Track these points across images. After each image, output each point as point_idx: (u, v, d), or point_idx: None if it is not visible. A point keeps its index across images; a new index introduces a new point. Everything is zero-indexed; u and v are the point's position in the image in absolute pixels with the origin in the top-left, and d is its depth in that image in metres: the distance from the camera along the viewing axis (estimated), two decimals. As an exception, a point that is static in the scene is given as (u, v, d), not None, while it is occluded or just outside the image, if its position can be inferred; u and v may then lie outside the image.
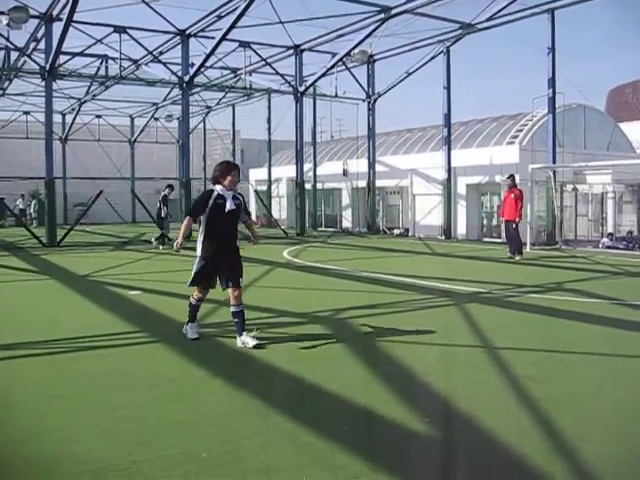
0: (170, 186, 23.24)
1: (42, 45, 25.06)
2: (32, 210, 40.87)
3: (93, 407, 5.46)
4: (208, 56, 25.80)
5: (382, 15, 23.97)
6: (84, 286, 13.37)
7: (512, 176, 18.76)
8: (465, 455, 4.52)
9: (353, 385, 6.00)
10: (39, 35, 25.32)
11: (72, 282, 14.05)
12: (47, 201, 24.35)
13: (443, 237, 26.52)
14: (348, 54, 27.49)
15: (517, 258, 17.77)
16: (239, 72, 31.05)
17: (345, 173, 32.66)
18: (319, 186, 34.30)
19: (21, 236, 26.37)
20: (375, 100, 31.28)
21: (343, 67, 29.75)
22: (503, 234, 22.23)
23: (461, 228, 26.91)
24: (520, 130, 26.55)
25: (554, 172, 22.53)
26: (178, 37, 26.88)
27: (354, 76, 30.68)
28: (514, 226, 18.14)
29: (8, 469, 4.25)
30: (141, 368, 6.75)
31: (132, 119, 45.99)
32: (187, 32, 26.45)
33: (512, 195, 18.21)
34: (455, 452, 4.65)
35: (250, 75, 31.56)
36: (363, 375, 6.40)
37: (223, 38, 24.47)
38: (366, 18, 24.74)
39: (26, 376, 6.47)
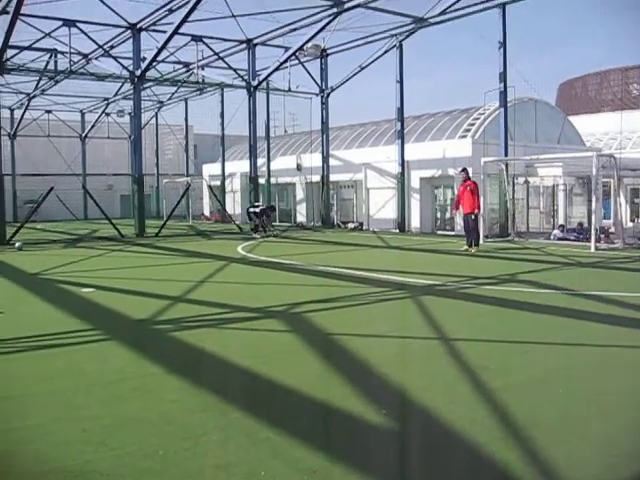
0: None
1: (-11, 39, 24.51)
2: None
3: (45, 407, 5.37)
4: (160, 50, 25.52)
5: (335, 9, 24.00)
6: (35, 284, 13.15)
7: (465, 169, 18.96)
8: (422, 446, 4.57)
9: (310, 379, 6.00)
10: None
11: (22, 280, 13.81)
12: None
13: (397, 230, 26.69)
14: (301, 48, 27.47)
15: (473, 250, 17.97)
16: (191, 66, 30.83)
17: (299, 167, 32.67)
18: (273, 181, 34.25)
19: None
20: (328, 94, 31.29)
21: (296, 61, 29.70)
22: (459, 227, 22.57)
23: (415, 221, 27.10)
24: (472, 124, 26.83)
25: (506, 165, 22.84)
26: (129, 31, 26.53)
27: (307, 70, 30.66)
28: (473, 217, 18.33)
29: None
30: (95, 366, 6.66)
31: (83, 114, 45.34)
32: (138, 26, 26.12)
33: (468, 188, 18.38)
34: (412, 443, 4.69)
35: (203, 69, 31.31)
36: (320, 369, 6.41)
37: (175, 32, 24.21)
38: (319, 12, 24.75)
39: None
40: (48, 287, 12.66)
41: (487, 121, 26.42)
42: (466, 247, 18.32)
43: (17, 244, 21.47)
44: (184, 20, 23.08)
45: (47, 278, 13.91)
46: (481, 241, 20.51)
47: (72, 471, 4.07)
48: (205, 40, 28.47)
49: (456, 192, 20.32)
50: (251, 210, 27.09)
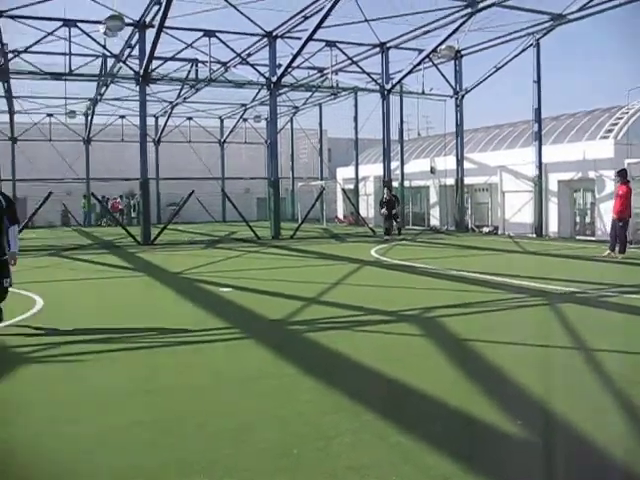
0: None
1: (136, 51, 25.81)
2: (132, 210, 42.38)
3: (186, 401, 5.61)
4: (295, 57, 26.00)
5: (469, 9, 23.64)
6: (177, 283, 13.72)
7: (621, 171, 18.00)
8: (559, 460, 4.42)
9: (444, 385, 5.95)
10: (133, 42, 26.09)
11: (166, 279, 14.45)
12: (141, 201, 25.11)
13: (534, 235, 25.96)
14: (435, 50, 27.24)
15: (618, 257, 17.08)
16: (325, 71, 31.21)
17: (433, 171, 32.36)
18: (406, 184, 34.09)
19: (118, 235, 27.28)
20: (462, 96, 30.87)
21: (430, 64, 29.51)
22: (599, 232, 21.73)
23: (553, 226, 26.24)
24: (615, 124, 25.67)
25: (652, 167, 21.72)
26: (265, 39, 27.19)
27: (441, 72, 30.38)
28: (620, 224, 17.39)
29: (91, 459, 4.40)
30: (233, 364, 6.88)
31: (222, 120, 46.83)
32: (274, 34, 26.73)
33: (620, 191, 17.52)
34: (549, 456, 4.55)
35: (336, 74, 31.65)
36: (453, 375, 6.34)
37: (309, 38, 24.62)
38: (453, 13, 24.46)
39: (122, 370, 6.68)
40: (189, 286, 13.18)
41: (631, 120, 25.21)
42: (608, 252, 17.50)
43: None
44: (318, 26, 23.41)
45: (188, 277, 14.49)
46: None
47: (211, 464, 4.22)
48: (339, 45, 28.76)
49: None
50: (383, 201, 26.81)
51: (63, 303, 11.18)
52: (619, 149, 23.24)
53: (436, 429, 4.88)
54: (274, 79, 26.93)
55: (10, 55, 26.32)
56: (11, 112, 38.77)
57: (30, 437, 4.78)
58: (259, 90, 34.97)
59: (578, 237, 25.16)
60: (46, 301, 10.76)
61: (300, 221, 30.29)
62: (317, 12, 23.43)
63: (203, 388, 5.98)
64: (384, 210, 26.16)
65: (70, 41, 25.19)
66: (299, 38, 25.74)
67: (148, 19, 24.02)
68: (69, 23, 24.67)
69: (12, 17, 23.55)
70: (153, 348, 7.65)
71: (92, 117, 41.93)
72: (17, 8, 23.02)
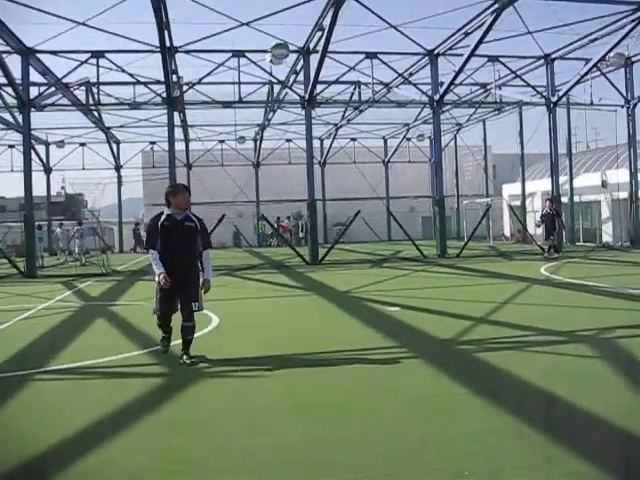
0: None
1: (301, 77, 26.73)
2: (300, 230, 43.65)
3: (355, 418, 5.74)
4: (457, 74, 25.91)
5: (638, 13, 22.58)
6: (345, 301, 14.02)
7: None
8: None
9: (619, 410, 5.70)
10: (298, 68, 27.04)
11: (334, 297, 14.80)
12: (309, 221, 25.85)
13: None
14: (603, 59, 26.23)
15: None
16: (488, 87, 30.87)
17: (604, 184, 31.05)
18: (576, 199, 32.90)
19: (287, 255, 28.18)
20: (635, 105, 29.48)
21: (598, 73, 28.43)
22: None
23: None
24: None
25: None
26: (427, 57, 27.29)
27: (610, 81, 29.24)
28: None
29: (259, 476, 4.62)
30: (402, 382, 6.97)
31: (385, 140, 47.33)
32: (435, 52, 26.78)
33: None
34: None
35: (500, 89, 31.21)
36: (631, 400, 6.07)
37: (471, 54, 24.46)
38: (621, 19, 23.47)
39: (289, 386, 6.94)
40: (356, 304, 13.44)
41: None
42: None
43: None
44: (480, 42, 23.22)
45: (355, 296, 14.76)
46: None
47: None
48: (501, 59, 28.38)
49: None
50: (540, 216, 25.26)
51: (236, 320, 11.73)
52: None
53: (610, 456, 4.75)
54: (436, 97, 26.94)
55: (185, 87, 28.01)
56: (187, 140, 41.17)
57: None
58: (422, 109, 35.09)
59: None
60: (222, 319, 11.33)
61: (466, 239, 29.98)
62: (478, 27, 23.27)
63: (374, 407, 6.10)
64: (539, 223, 25.01)
65: (239, 70, 26.54)
66: (461, 55, 25.65)
67: (312, 45, 24.83)
68: (238, 54, 26.02)
69: (187, 52, 25.14)
70: (322, 367, 7.85)
71: (261, 142, 43.78)
72: (190, 43, 24.55)
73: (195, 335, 8.13)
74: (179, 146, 42.56)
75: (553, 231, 24.49)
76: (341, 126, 40.04)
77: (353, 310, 12.62)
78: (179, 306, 7.98)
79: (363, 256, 28.48)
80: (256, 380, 7.17)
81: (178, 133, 39.46)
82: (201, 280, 8.00)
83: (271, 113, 35.17)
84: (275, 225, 38.51)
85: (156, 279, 7.85)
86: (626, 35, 24.21)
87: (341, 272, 21.60)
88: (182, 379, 7.30)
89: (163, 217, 7.95)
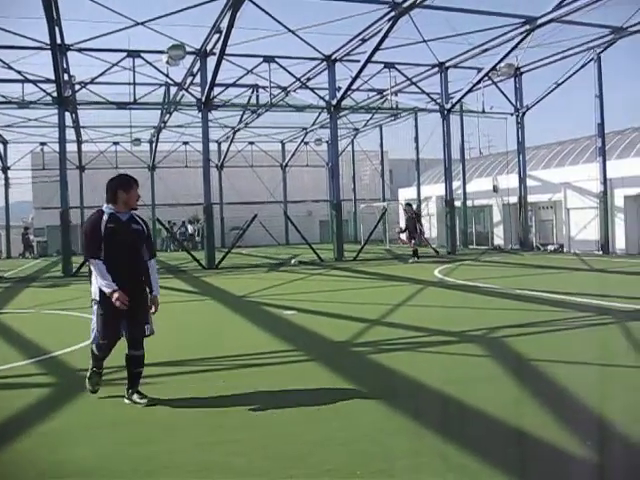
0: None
1: (198, 79, 26.41)
2: (197, 235, 43.15)
3: (252, 422, 5.70)
4: (354, 79, 26.20)
5: (527, 26, 23.46)
6: (241, 306, 13.92)
7: None
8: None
9: (508, 406, 5.91)
10: (195, 70, 26.71)
11: (230, 302, 14.66)
12: (206, 226, 25.55)
13: (600, 252, 25.45)
14: (494, 68, 27.09)
15: None
16: (385, 93, 31.34)
17: (495, 189, 32.07)
18: (469, 203, 33.86)
19: (183, 259, 27.78)
20: (524, 113, 30.60)
21: (489, 82, 29.33)
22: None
23: (620, 242, 25.67)
24: (683, 137, 25.08)
25: None
26: (324, 62, 27.47)
27: (501, 90, 30.18)
28: None
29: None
30: (299, 385, 6.95)
31: (283, 144, 47.39)
32: (332, 57, 26.99)
33: None
34: (615, 476, 4.49)
35: (396, 95, 31.77)
36: (518, 395, 6.30)
37: (368, 61, 24.78)
38: (511, 30, 24.30)
39: (182, 392, 6.82)
40: (253, 309, 13.35)
41: (700, 133, 24.58)
42: None
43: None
44: (376, 48, 23.56)
45: (252, 300, 14.68)
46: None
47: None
48: (397, 66, 28.88)
49: None
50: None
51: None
52: (688, 162, 22.67)
53: (500, 451, 4.86)
54: (334, 102, 27.17)
55: (77, 87, 27.19)
56: (79, 141, 39.95)
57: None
58: (319, 113, 35.29)
59: (647, 253, 24.57)
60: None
61: (363, 243, 30.35)
62: (375, 34, 23.60)
63: (269, 409, 6.04)
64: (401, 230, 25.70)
65: (134, 71, 25.96)
66: (358, 61, 25.95)
67: (209, 47, 24.57)
68: (133, 54, 25.43)
69: (79, 50, 24.40)
70: (214, 371, 7.76)
71: (156, 144, 42.95)
72: (84, 41, 23.85)
73: (82, 344, 7.71)
74: (71, 147, 41.39)
75: (416, 234, 25.31)
76: (239, 129, 39.80)
77: (250, 314, 12.54)
78: (124, 331, 6.38)
79: (260, 260, 28.40)
80: (148, 387, 6.99)
81: (70, 134, 38.23)
82: (148, 298, 6.56)
83: (167, 115, 34.58)
84: (171, 229, 37.95)
85: (96, 298, 6.26)
86: (516, 46, 25.06)
87: (238, 276, 21.45)
88: (71, 388, 7.04)
89: (105, 217, 6.27)
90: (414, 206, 25.66)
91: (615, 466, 4.65)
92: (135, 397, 6.38)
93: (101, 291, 6.17)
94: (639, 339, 8.64)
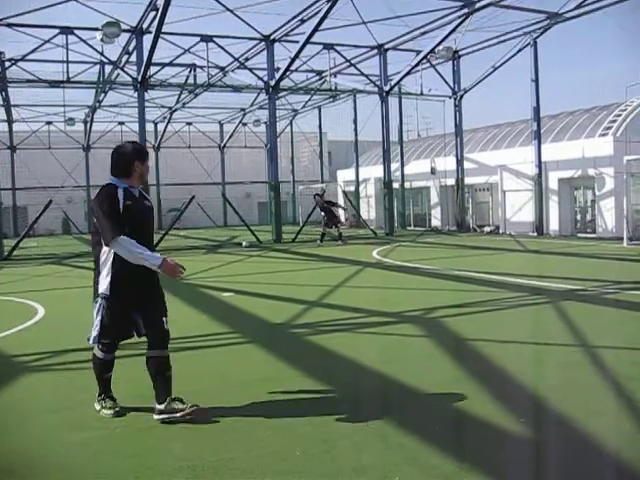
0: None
1: (134, 57, 25.88)
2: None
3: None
4: (293, 60, 26.04)
5: (466, 10, 23.68)
6: (178, 288, 13.70)
7: None
8: (561, 457, 4.42)
9: (446, 385, 5.96)
10: (130, 48, 26.16)
11: (166, 284, 14.38)
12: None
13: (535, 234, 25.98)
14: (432, 51, 27.26)
15: None
16: (324, 74, 31.27)
17: (433, 171, 32.38)
18: (407, 185, 34.12)
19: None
20: (461, 96, 30.92)
21: (428, 65, 29.57)
22: (601, 229, 21.88)
23: (554, 224, 26.27)
24: (613, 121, 25.66)
25: (651, 163, 21.70)
26: (263, 43, 27.23)
27: (439, 73, 30.44)
28: None
29: (101, 464, 4.41)
30: (236, 367, 6.90)
31: (221, 125, 46.94)
32: (271, 37, 26.77)
33: None
34: (551, 454, 4.55)
35: (335, 77, 31.70)
36: (456, 375, 6.35)
37: (307, 41, 24.66)
38: (449, 14, 24.49)
39: (120, 377, 6.69)
40: (190, 291, 13.18)
41: (629, 118, 25.18)
42: None
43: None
44: (315, 29, 23.46)
45: (189, 283, 14.49)
46: (624, 243, 19.70)
47: (213, 467, 4.24)
48: (337, 48, 28.82)
49: None
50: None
51: (64, 311, 11.18)
52: (618, 146, 23.27)
53: (438, 430, 4.89)
54: (272, 83, 26.96)
55: (7, 63, 26.37)
56: (10, 121, 38.83)
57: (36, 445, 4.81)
58: (258, 94, 34.97)
59: (579, 235, 25.18)
60: (47, 310, 10.76)
61: (301, 224, 30.32)
62: (314, 15, 23.48)
63: (204, 392, 5.97)
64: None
65: (67, 49, 25.26)
66: (297, 41, 25.81)
67: (145, 25, 24.10)
68: (66, 31, 24.74)
69: (9, 25, 23.61)
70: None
71: (91, 124, 41.98)
72: (14, 16, 23.08)
73: (19, 327, 7.39)
74: (1, 127, 40.27)
75: (335, 219, 25.30)
76: (176, 109, 39.23)
77: (187, 297, 12.36)
78: (139, 330, 5.51)
79: (198, 242, 28.11)
80: (86, 372, 6.83)
81: (0, 113, 37.22)
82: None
83: (102, 94, 33.85)
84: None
85: (107, 293, 5.25)
86: (454, 30, 25.28)
87: (176, 258, 21.08)
88: (2, 374, 6.83)
89: (121, 193, 5.26)
90: (321, 199, 25.36)
91: (547, 441, 4.72)
92: (174, 405, 5.18)
93: (113, 284, 5.19)
94: (571, 318, 8.80)
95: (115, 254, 5.12)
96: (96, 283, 5.34)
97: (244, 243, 25.08)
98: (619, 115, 25.75)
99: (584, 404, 5.36)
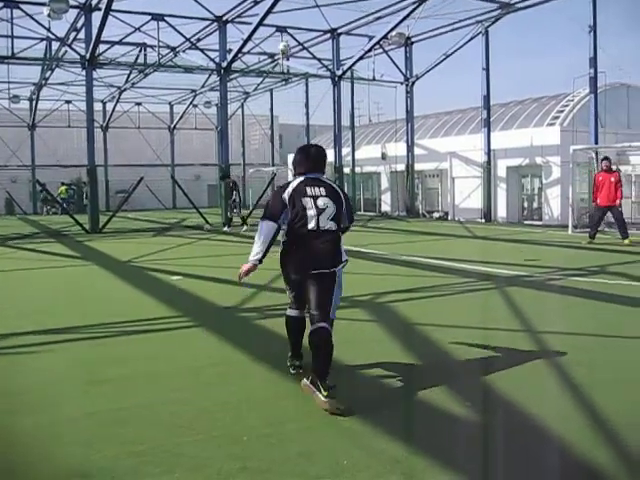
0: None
1: (82, 35, 25.33)
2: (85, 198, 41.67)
3: (139, 390, 5.56)
4: (245, 42, 25.80)
5: (419, -4, 23.73)
6: (126, 272, 13.55)
7: (608, 158, 17.76)
8: (506, 440, 4.49)
9: (393, 369, 5.99)
10: (79, 25, 25.59)
11: (114, 268, 14.24)
12: (89, 188, 24.69)
13: (483, 220, 26.29)
14: (385, 37, 27.31)
15: (626, 242, 16.83)
16: (276, 57, 31.06)
17: (384, 157, 32.49)
18: (358, 170, 34.13)
19: (66, 223, 26.81)
20: (413, 83, 31.03)
21: (380, 50, 29.56)
22: (547, 216, 22.28)
23: (501, 211, 26.63)
24: (561, 111, 26.08)
25: (596, 153, 22.09)
26: (215, 23, 26.93)
27: (392, 59, 30.44)
28: (621, 209, 17.31)
29: (50, 450, 4.33)
30: (185, 352, 6.84)
31: (171, 106, 46.36)
32: (224, 18, 26.48)
33: (612, 179, 17.09)
34: (497, 437, 4.61)
35: (287, 60, 31.52)
36: (403, 359, 6.39)
37: (260, 23, 24.44)
38: (403, 0, 24.50)
39: (72, 360, 6.59)
40: (138, 274, 13.04)
41: (576, 108, 25.62)
42: (589, 240, 17.34)
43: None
44: (269, 11, 23.25)
45: (137, 266, 14.32)
46: (569, 231, 20.07)
47: (161, 452, 4.19)
48: (290, 31, 28.65)
49: (593, 182, 18.73)
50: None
51: (8, 294, 10.96)
52: (565, 135, 23.66)
53: (385, 413, 4.91)
54: (224, 64, 26.69)
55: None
56: (-49, 96, 37.77)
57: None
58: (209, 75, 34.59)
59: (526, 222, 25.57)
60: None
61: (252, 207, 30.17)
62: (268, -3, 23.26)
63: (154, 377, 5.91)
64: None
65: (12, 23, 24.61)
66: (250, 23, 25.58)
67: (94, 2, 23.58)
68: (10, 4, 24.11)
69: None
70: (99, 339, 7.52)
71: (37, 102, 41.05)
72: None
73: None
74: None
75: (234, 203, 24.68)
76: (125, 89, 38.58)
77: (135, 280, 12.22)
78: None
79: (147, 224, 27.77)
80: (38, 356, 6.70)
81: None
82: None
83: (49, 72, 33.08)
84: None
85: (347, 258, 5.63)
86: (407, 16, 25.33)
87: (123, 241, 20.88)
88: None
89: None
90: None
91: (492, 424, 4.78)
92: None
93: None
94: (518, 304, 8.93)
95: None
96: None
97: (205, 227, 24.69)
98: (567, 105, 26.18)
99: (529, 389, 5.44)
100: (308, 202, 5.35)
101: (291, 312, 5.87)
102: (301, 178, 5.50)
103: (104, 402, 5.24)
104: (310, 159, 5.60)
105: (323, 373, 5.07)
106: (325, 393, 4.93)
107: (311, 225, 5.31)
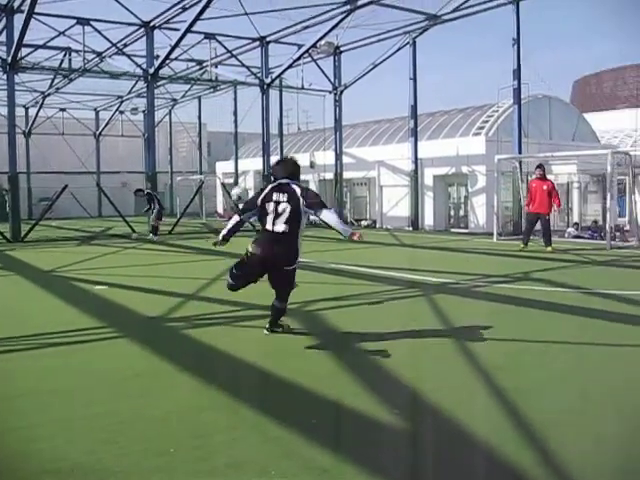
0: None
1: (3, 37, 24.61)
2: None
3: (59, 404, 5.38)
4: (173, 48, 25.52)
5: (348, 6, 23.91)
6: (49, 281, 13.18)
7: (542, 166, 18.14)
8: (433, 446, 4.53)
9: (322, 378, 5.97)
10: (0, 27, 24.86)
11: (37, 278, 13.85)
12: (10, 196, 23.98)
13: (411, 228, 26.59)
14: (314, 46, 27.38)
15: (549, 249, 17.23)
16: (205, 64, 30.83)
17: (312, 165, 32.57)
18: (287, 178, 34.09)
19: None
20: (341, 92, 31.20)
21: (309, 59, 29.63)
22: (472, 224, 22.66)
23: (428, 219, 27.02)
24: (486, 121, 26.69)
25: (520, 162, 22.66)
26: (142, 29, 26.55)
27: (320, 68, 30.54)
28: (548, 218, 17.69)
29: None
30: (108, 363, 6.66)
31: (97, 112, 45.48)
32: (152, 24, 26.14)
33: (545, 187, 17.52)
34: (423, 443, 4.65)
35: (216, 67, 31.31)
36: (332, 368, 6.38)
37: (188, 30, 24.22)
38: (332, 9, 24.65)
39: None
40: (61, 284, 12.70)
41: (501, 118, 26.25)
42: (522, 246, 17.71)
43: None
44: (197, 18, 23.07)
45: (60, 275, 13.96)
46: (494, 239, 20.48)
47: (81, 469, 4.06)
48: (218, 38, 28.44)
49: (527, 189, 19.11)
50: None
51: None
52: (490, 145, 24.20)
53: (314, 422, 4.89)
54: (151, 71, 26.34)
55: None
56: None
57: None
58: (136, 82, 34.06)
59: (452, 230, 26.01)
60: None
61: (179, 216, 29.84)
62: (196, 3, 23.04)
63: (74, 391, 5.75)
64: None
65: None
66: (177, 29, 25.29)
67: (16, 4, 22.94)
68: None
69: None
70: (19, 352, 7.28)
71: (-47, 106, 39.71)
72: None
73: None
74: None
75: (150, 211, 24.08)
76: (49, 94, 37.65)
77: (58, 290, 11.90)
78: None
79: (71, 233, 27.14)
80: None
81: None
82: None
83: (-33, 75, 32.10)
84: None
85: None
86: (336, 25, 25.46)
87: (46, 250, 20.35)
88: None
89: None
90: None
91: (419, 431, 4.82)
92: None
93: None
94: (444, 311, 9.04)
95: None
96: None
97: (134, 236, 24.25)
98: (491, 116, 26.80)
99: (455, 394, 5.50)
100: (271, 206, 7.07)
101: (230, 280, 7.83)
102: (275, 184, 7.15)
103: (16, 419, 5.05)
104: (282, 168, 7.41)
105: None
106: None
107: (268, 226, 7.14)
